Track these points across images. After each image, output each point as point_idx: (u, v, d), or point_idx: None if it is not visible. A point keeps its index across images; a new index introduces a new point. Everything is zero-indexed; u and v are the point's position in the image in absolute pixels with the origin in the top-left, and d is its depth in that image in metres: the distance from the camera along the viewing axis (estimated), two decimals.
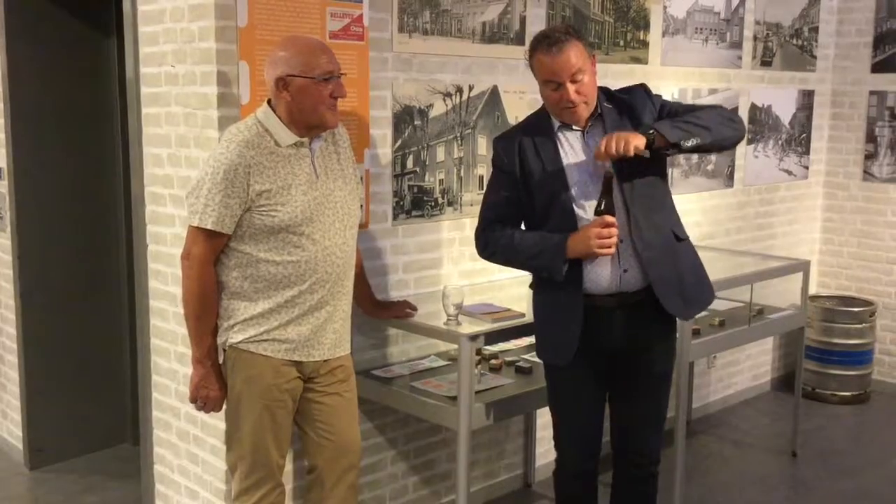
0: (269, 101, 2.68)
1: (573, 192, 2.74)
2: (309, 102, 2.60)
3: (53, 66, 4.07)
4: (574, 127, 2.77)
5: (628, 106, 2.80)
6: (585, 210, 2.72)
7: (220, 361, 2.71)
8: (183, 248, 2.66)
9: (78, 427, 4.32)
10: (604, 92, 2.83)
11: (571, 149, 2.78)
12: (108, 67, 4.22)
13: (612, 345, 2.80)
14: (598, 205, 2.64)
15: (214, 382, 2.71)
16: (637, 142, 2.58)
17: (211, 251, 2.62)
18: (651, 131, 2.62)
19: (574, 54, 2.65)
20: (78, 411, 4.30)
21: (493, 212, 2.88)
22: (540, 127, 2.83)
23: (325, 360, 2.77)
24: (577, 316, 2.75)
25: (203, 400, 2.74)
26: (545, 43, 2.67)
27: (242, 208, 2.58)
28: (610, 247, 2.63)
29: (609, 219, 2.61)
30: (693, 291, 2.88)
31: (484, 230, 2.91)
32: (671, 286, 2.79)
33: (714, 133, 2.68)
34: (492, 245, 2.89)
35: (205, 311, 2.66)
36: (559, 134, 2.79)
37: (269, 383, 2.68)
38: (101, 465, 4.29)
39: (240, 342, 2.66)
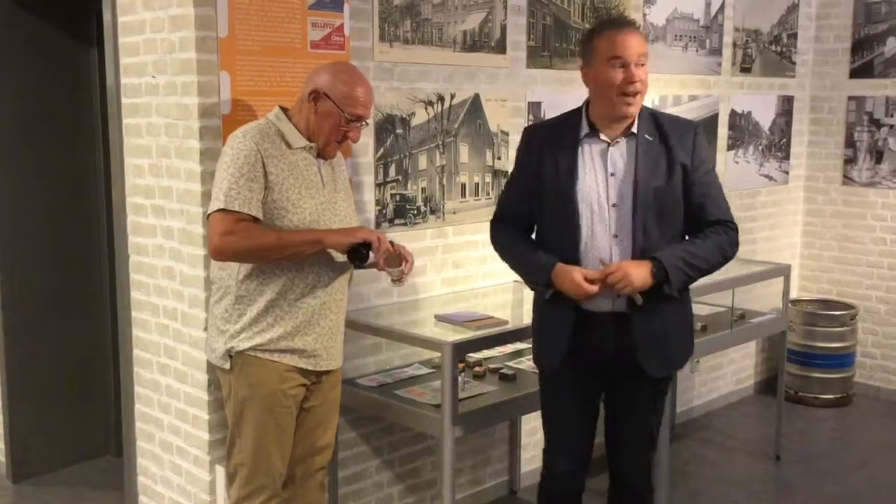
0: (281, 107, 2.75)
1: (580, 210, 2.67)
2: (326, 127, 2.69)
3: (34, 76, 4.06)
4: (602, 137, 2.69)
5: (668, 141, 2.69)
6: (592, 232, 2.67)
7: (228, 367, 2.71)
8: (209, 243, 2.61)
9: (61, 439, 4.29)
10: (650, 112, 2.75)
11: (591, 162, 2.70)
12: (88, 78, 4.20)
13: (606, 359, 2.76)
14: None
15: (333, 232, 2.68)
16: (641, 286, 2.61)
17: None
18: (661, 270, 2.62)
19: (643, 40, 2.64)
20: (61, 423, 4.28)
21: (506, 207, 2.92)
22: (568, 130, 2.74)
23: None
24: (567, 325, 2.73)
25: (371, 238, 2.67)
26: (616, 23, 2.68)
27: (262, 194, 2.59)
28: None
29: (593, 288, 2.61)
30: (675, 350, 2.81)
31: (495, 222, 2.94)
32: (655, 344, 2.72)
33: (706, 274, 2.77)
34: (496, 241, 2.93)
35: (271, 243, 2.59)
36: (583, 143, 2.71)
37: (275, 388, 2.70)
38: (84, 477, 4.26)
39: (247, 349, 2.68)
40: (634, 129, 2.70)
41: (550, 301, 2.74)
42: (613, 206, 2.68)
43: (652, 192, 2.66)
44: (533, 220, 2.84)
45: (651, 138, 2.69)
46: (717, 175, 2.82)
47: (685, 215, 2.73)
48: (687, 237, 2.76)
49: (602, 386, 2.84)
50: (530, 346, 3.67)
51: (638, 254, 2.66)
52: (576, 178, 2.69)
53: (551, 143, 2.75)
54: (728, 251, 2.75)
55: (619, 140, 2.70)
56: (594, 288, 2.61)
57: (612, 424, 2.89)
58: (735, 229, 2.77)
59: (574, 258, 2.69)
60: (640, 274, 2.61)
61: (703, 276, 2.75)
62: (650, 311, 2.68)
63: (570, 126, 2.76)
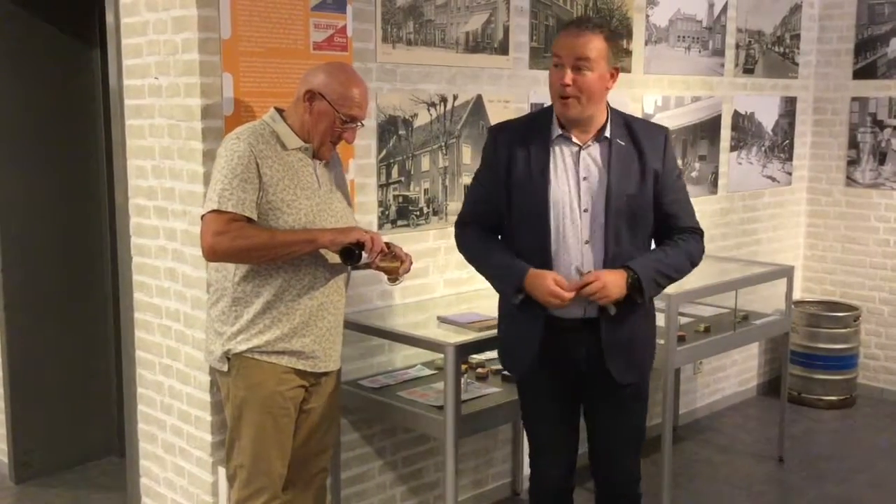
0: (276, 108, 2.74)
1: (551, 214, 2.61)
2: (320, 127, 2.68)
3: (37, 77, 4.06)
4: (574, 140, 2.63)
5: (640, 147, 2.66)
6: (563, 237, 2.61)
7: (226, 370, 2.71)
8: (202, 243, 2.59)
9: (64, 440, 4.29)
10: (622, 117, 2.71)
11: (563, 164, 2.64)
12: (91, 79, 4.21)
13: (577, 364, 2.72)
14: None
15: (327, 231, 2.65)
16: (618, 296, 2.58)
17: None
18: (636, 281, 2.59)
19: (590, 44, 2.53)
20: (63, 424, 4.28)
21: (472, 208, 2.82)
22: (540, 130, 2.67)
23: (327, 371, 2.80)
24: (536, 335, 2.68)
25: (363, 240, 2.64)
26: (572, 23, 2.65)
27: (257, 195, 2.58)
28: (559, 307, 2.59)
29: (569, 296, 2.55)
30: (640, 357, 2.77)
31: (462, 225, 2.84)
32: (620, 351, 2.68)
33: (675, 282, 2.78)
34: (463, 245, 2.83)
35: (262, 243, 2.56)
36: (555, 145, 2.65)
37: (273, 390, 2.69)
38: (87, 478, 4.26)
39: (244, 351, 2.67)
40: (607, 133, 2.66)
41: (519, 307, 2.66)
42: (585, 211, 2.62)
43: (624, 199, 2.62)
44: (499, 222, 2.74)
45: (623, 143, 2.66)
46: (684, 181, 2.82)
47: (655, 221, 2.71)
48: (654, 242, 2.76)
49: (578, 389, 2.80)
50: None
51: (610, 261, 2.62)
52: (548, 180, 2.62)
53: (522, 143, 2.66)
54: (696, 258, 2.77)
55: (590, 144, 2.65)
56: (569, 296, 2.55)
57: (593, 436, 2.86)
58: (702, 235, 2.79)
59: (544, 263, 2.62)
60: (617, 284, 2.57)
61: (671, 283, 2.76)
62: (619, 319, 2.65)
63: (540, 126, 2.68)
